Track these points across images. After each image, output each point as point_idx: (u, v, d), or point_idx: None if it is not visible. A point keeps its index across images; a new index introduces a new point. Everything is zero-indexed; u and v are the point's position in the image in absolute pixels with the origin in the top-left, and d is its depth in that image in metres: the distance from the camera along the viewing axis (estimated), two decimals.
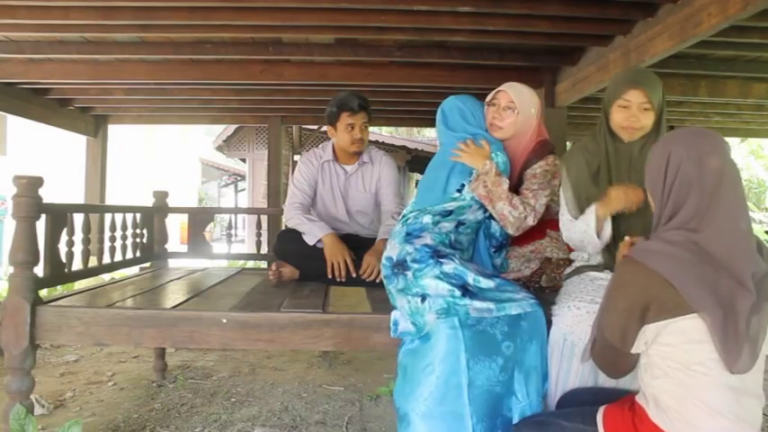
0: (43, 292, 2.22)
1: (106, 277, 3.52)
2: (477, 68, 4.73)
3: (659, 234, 1.38)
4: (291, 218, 2.78)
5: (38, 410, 2.59)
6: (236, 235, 5.13)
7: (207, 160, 19.57)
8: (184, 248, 3.72)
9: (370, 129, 2.97)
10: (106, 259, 2.91)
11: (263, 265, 4.21)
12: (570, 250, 2.19)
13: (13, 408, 1.97)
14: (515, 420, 1.75)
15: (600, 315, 1.46)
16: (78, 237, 2.55)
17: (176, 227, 11.56)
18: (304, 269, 2.74)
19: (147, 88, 5.46)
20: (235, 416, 2.66)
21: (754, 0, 2.56)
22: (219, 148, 13.16)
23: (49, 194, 2.17)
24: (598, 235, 1.82)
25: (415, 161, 11.85)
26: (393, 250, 2.01)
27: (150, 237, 3.45)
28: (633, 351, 1.37)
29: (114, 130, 7.46)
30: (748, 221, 1.35)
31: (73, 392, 2.97)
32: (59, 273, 2.38)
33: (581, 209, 1.91)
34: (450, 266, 1.87)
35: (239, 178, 20.29)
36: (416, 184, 11.78)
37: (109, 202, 7.05)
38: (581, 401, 1.66)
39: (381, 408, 2.81)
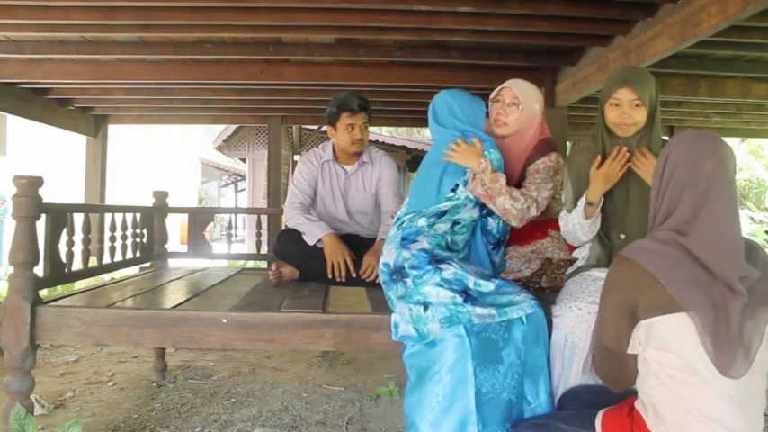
0: (43, 292, 2.22)
1: (106, 277, 3.52)
2: (477, 68, 4.73)
3: (652, 234, 1.39)
4: (291, 218, 2.78)
5: (38, 410, 2.59)
6: (236, 235, 5.14)
7: (207, 160, 19.57)
8: (184, 248, 3.72)
9: (370, 129, 2.97)
10: (106, 259, 2.91)
11: (263, 265, 4.21)
12: (572, 249, 2.19)
13: (13, 408, 1.97)
14: None
15: (596, 319, 1.46)
16: (78, 237, 2.55)
17: (176, 227, 11.56)
18: (304, 269, 2.74)
19: (147, 88, 5.46)
20: (235, 416, 2.66)
21: (754, 0, 2.56)
22: (219, 148, 13.17)
23: (49, 194, 2.17)
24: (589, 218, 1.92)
25: (415, 161, 11.83)
26: (390, 256, 2.00)
27: (150, 237, 3.45)
28: (629, 351, 1.37)
29: (114, 130, 7.46)
30: (736, 227, 1.33)
31: (73, 392, 2.97)
32: (59, 273, 2.38)
33: (577, 204, 2.00)
34: (449, 272, 1.86)
35: (239, 178, 20.29)
36: None
37: (109, 202, 7.05)
38: (581, 400, 1.66)
39: (381, 408, 2.81)
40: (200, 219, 3.77)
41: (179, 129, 14.60)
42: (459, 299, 1.80)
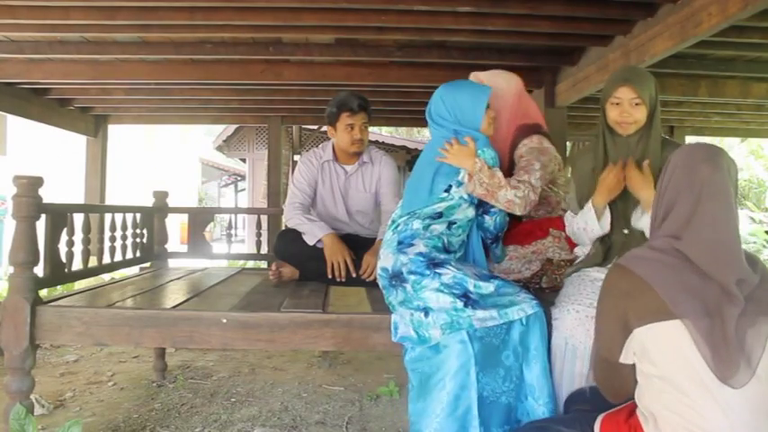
0: (43, 292, 2.22)
1: (106, 277, 3.52)
2: (477, 68, 4.68)
3: (650, 242, 1.38)
4: (291, 218, 2.78)
5: (38, 410, 2.59)
6: (236, 235, 5.14)
7: (207, 160, 19.57)
8: (184, 248, 3.72)
9: (370, 129, 2.97)
10: (106, 259, 2.91)
11: (263, 265, 4.21)
12: (572, 246, 2.19)
13: (13, 408, 1.97)
14: None
15: (594, 327, 1.45)
16: (78, 237, 2.55)
17: (176, 227, 11.55)
18: (304, 269, 2.74)
19: (147, 88, 5.46)
20: (235, 416, 2.66)
21: (754, 0, 2.56)
22: (219, 148, 13.17)
23: (49, 194, 2.17)
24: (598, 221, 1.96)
25: (415, 161, 11.77)
26: (387, 260, 1.98)
27: (150, 237, 3.45)
28: (622, 361, 1.34)
29: (114, 130, 7.46)
30: (733, 231, 1.30)
31: (73, 392, 2.97)
32: (59, 273, 2.38)
33: (583, 206, 2.02)
34: (448, 276, 1.85)
35: (239, 178, 20.29)
36: None
37: (109, 202, 7.05)
38: (587, 401, 1.65)
39: (381, 408, 2.81)
40: (200, 219, 3.77)
41: (179, 129, 14.59)
42: (460, 303, 1.80)
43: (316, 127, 9.80)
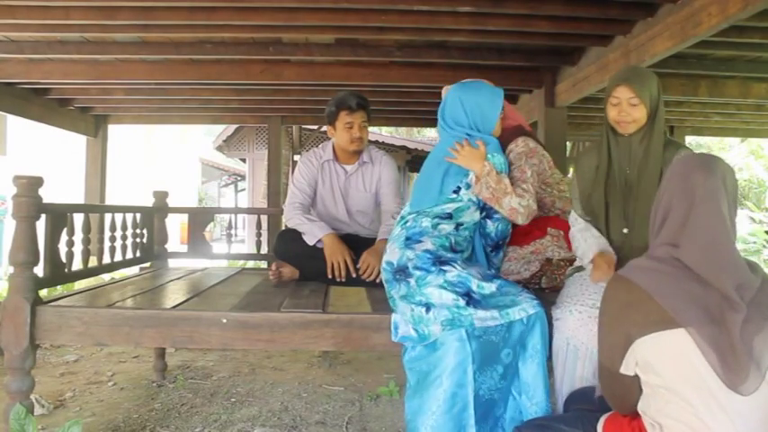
0: (43, 292, 2.22)
1: (106, 277, 3.52)
2: (477, 68, 4.72)
3: (649, 252, 1.38)
4: (291, 218, 2.78)
5: (38, 410, 2.59)
6: (236, 235, 5.14)
7: (207, 160, 19.57)
8: (184, 248, 3.72)
9: (371, 129, 2.96)
10: (106, 259, 2.91)
11: (263, 265, 4.21)
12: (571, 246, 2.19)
13: (13, 408, 1.97)
14: (516, 423, 1.76)
15: (597, 338, 1.44)
16: (78, 237, 2.55)
17: (176, 227, 11.55)
18: (304, 269, 2.74)
19: (147, 88, 5.46)
20: (235, 416, 2.66)
21: (754, 0, 2.56)
22: (219, 148, 13.18)
23: (49, 194, 2.17)
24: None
25: (415, 161, 11.85)
26: (393, 255, 2.00)
27: (150, 237, 3.44)
28: (623, 371, 1.32)
29: (114, 130, 7.46)
30: (729, 236, 1.29)
31: (73, 392, 2.97)
32: (59, 273, 2.38)
33: (587, 209, 2.05)
34: (453, 274, 1.86)
35: (239, 178, 20.30)
36: None
37: (109, 202, 7.05)
38: (589, 401, 1.64)
39: (381, 408, 2.81)
40: (200, 219, 3.77)
41: (179, 129, 14.59)
42: (462, 302, 1.80)
43: (316, 127, 9.80)
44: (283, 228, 3.04)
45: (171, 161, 14.29)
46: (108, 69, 4.80)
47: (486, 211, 2.10)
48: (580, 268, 2.06)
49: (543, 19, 3.62)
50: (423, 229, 2.00)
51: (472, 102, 2.12)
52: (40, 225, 2.16)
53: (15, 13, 3.53)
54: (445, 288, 1.83)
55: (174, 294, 2.47)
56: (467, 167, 2.05)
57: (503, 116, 2.22)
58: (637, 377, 1.32)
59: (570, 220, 2.16)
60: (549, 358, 1.88)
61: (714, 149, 14.31)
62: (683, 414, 1.22)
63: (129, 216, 3.23)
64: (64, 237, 2.39)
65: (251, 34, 4.09)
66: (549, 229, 2.32)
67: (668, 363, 1.24)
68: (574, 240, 2.09)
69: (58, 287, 3.49)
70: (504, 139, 2.24)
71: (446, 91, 2.28)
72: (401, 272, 1.94)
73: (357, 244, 2.68)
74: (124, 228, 3.13)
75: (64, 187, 6.20)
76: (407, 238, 2.00)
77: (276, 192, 6.72)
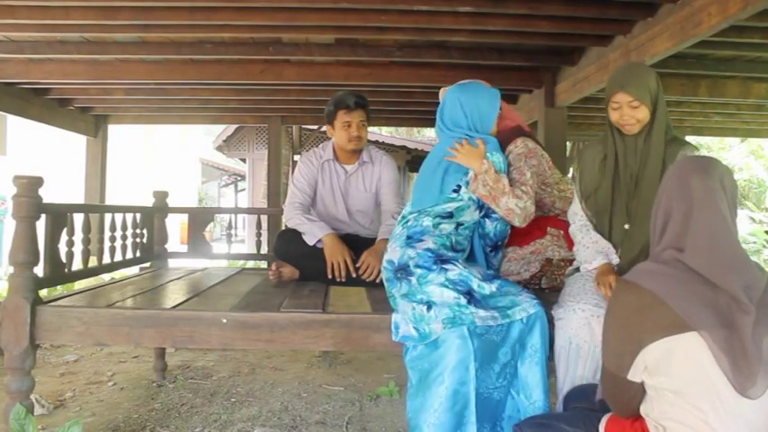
0: (43, 292, 2.22)
1: (106, 277, 3.52)
2: (477, 68, 4.73)
3: (653, 256, 1.37)
4: (291, 218, 2.78)
5: (38, 410, 2.59)
6: (236, 235, 5.14)
7: (207, 160, 19.57)
8: (184, 248, 3.72)
9: (370, 129, 2.96)
10: (106, 259, 2.91)
11: (263, 265, 4.21)
12: (571, 244, 2.19)
13: (13, 408, 1.97)
14: (514, 421, 1.76)
15: (602, 343, 1.43)
16: (78, 237, 2.55)
17: (176, 227, 11.55)
18: (304, 269, 2.74)
19: (147, 88, 5.46)
20: (235, 416, 2.66)
21: (754, 0, 2.56)
22: (219, 148, 13.17)
23: (49, 194, 2.17)
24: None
25: (415, 161, 11.84)
26: (394, 254, 2.01)
27: (150, 237, 3.44)
28: (630, 378, 1.29)
29: (114, 130, 7.46)
30: (731, 237, 1.29)
31: (73, 392, 2.97)
32: (59, 273, 2.38)
33: (591, 203, 2.04)
34: (454, 272, 1.87)
35: (239, 178, 20.29)
36: None
37: (109, 202, 7.05)
38: (588, 399, 1.64)
39: (381, 408, 2.81)
40: (200, 219, 3.77)
41: (179, 129, 14.59)
42: (464, 300, 1.81)
43: (316, 127, 9.80)
44: (283, 228, 3.04)
45: (171, 161, 14.29)
46: (108, 69, 4.80)
47: (484, 210, 2.10)
48: (579, 267, 2.05)
49: (543, 19, 3.62)
50: (424, 228, 2.01)
51: (471, 103, 2.12)
52: (40, 225, 2.16)
53: (15, 13, 3.53)
54: (447, 286, 1.84)
55: (174, 294, 2.47)
56: (466, 165, 2.05)
57: (500, 116, 2.23)
58: (642, 383, 1.31)
59: (569, 215, 2.15)
60: (550, 358, 1.88)
61: (714, 149, 14.30)
62: (689, 417, 1.22)
63: (129, 216, 3.23)
64: (64, 237, 2.39)
65: (251, 34, 4.09)
66: (548, 228, 2.32)
67: (679, 366, 1.23)
68: (574, 238, 2.08)
69: (58, 287, 3.49)
70: (503, 139, 2.24)
71: (443, 93, 2.28)
72: (402, 270, 1.94)
73: (357, 244, 2.68)
74: (124, 228, 3.13)
75: (64, 187, 6.20)
76: (408, 237, 2.00)
77: (276, 192, 6.72)
